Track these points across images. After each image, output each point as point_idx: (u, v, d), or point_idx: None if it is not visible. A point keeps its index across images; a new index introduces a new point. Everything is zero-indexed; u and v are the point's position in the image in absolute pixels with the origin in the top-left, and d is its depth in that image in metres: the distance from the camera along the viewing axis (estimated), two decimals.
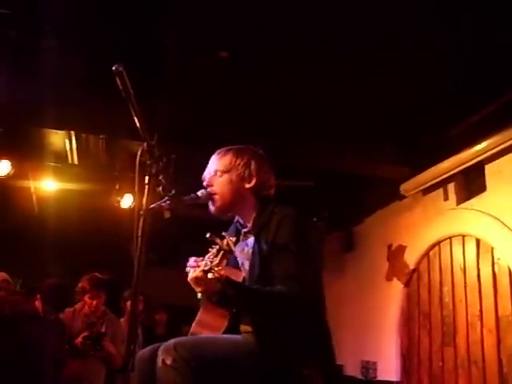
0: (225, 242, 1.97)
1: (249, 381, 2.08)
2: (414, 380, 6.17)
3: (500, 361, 4.94)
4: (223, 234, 2.01)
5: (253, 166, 2.36)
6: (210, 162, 2.43)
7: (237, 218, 2.44)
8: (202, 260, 1.99)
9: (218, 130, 4.80)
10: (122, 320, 5.25)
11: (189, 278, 2.06)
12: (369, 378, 6.82)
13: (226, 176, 2.35)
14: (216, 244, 1.99)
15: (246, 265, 2.30)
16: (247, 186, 2.34)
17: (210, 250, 2.02)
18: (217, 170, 2.36)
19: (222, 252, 1.96)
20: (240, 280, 2.23)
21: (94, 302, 4.74)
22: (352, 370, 6.98)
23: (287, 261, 2.13)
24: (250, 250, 2.28)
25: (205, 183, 2.37)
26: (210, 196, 2.33)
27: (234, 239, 2.02)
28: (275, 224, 2.20)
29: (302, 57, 4.25)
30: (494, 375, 4.98)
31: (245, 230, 2.37)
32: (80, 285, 4.86)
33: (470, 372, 5.29)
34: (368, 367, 6.87)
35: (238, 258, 2.38)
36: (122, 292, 5.76)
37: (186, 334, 2.37)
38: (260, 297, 2.10)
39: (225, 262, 1.98)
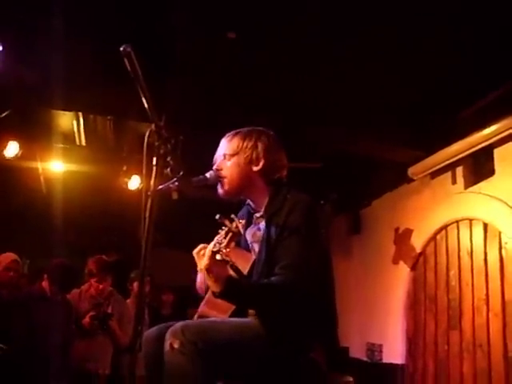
0: (234, 224, 1.97)
1: (256, 364, 2.09)
2: (419, 363, 6.20)
3: (505, 345, 4.95)
4: (232, 216, 2.01)
5: (260, 147, 2.34)
6: (220, 145, 2.43)
7: (248, 201, 2.43)
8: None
9: (225, 113, 4.78)
10: (128, 301, 5.28)
11: (194, 251, 2.07)
12: (374, 361, 6.85)
13: (233, 159, 2.34)
14: (225, 226, 1.98)
15: (257, 248, 2.30)
16: (255, 168, 2.33)
17: (219, 231, 2.01)
18: (225, 154, 2.36)
19: (230, 234, 1.96)
20: (250, 263, 2.24)
21: (101, 286, 4.77)
22: (357, 352, 7.02)
23: (292, 248, 2.12)
24: (261, 236, 2.28)
25: (215, 167, 2.37)
26: (219, 180, 2.33)
27: (243, 222, 2.02)
28: (286, 210, 2.19)
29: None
30: (499, 359, 5.00)
31: (257, 214, 2.37)
32: (87, 267, 4.88)
33: (475, 356, 5.31)
34: (373, 350, 6.90)
35: (249, 242, 2.38)
36: (128, 273, 5.78)
37: (192, 317, 2.39)
38: (257, 292, 2.10)
39: (233, 244, 1.98)
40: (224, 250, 1.91)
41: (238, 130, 2.42)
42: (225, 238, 1.96)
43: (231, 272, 2.03)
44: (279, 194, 2.29)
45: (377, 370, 6.65)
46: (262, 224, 2.30)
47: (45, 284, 4.31)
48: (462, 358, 5.48)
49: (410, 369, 6.31)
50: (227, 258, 1.91)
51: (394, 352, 6.53)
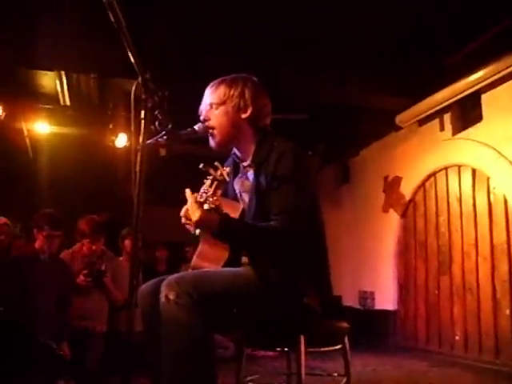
0: (218, 172, 1.94)
1: (250, 310, 2.12)
2: (410, 308, 6.32)
3: (494, 287, 5.06)
4: (216, 163, 1.98)
5: (247, 94, 2.30)
6: (205, 95, 2.37)
7: (233, 150, 2.42)
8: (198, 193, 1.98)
9: (210, 62, 4.70)
10: (120, 259, 5.30)
11: (182, 213, 2.07)
12: (367, 308, 6.98)
13: (221, 108, 2.29)
14: (210, 175, 1.96)
15: (246, 198, 2.30)
16: (244, 116, 2.30)
17: (204, 181, 1.99)
18: (212, 104, 2.31)
19: (215, 182, 1.93)
20: (239, 212, 2.23)
21: (94, 247, 4.76)
22: (350, 300, 7.13)
23: (284, 195, 2.12)
24: (251, 184, 2.27)
25: (201, 118, 2.33)
26: (208, 130, 2.30)
27: (228, 169, 1.99)
28: (275, 158, 2.17)
29: None
30: (487, 301, 5.11)
31: (244, 163, 2.35)
32: (79, 228, 4.85)
33: (465, 299, 5.42)
34: (366, 297, 7.02)
35: (237, 191, 2.38)
36: (119, 231, 5.78)
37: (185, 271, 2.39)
38: (254, 232, 2.11)
39: (219, 192, 1.96)
40: (211, 199, 1.90)
41: (222, 78, 2.36)
42: (210, 186, 1.94)
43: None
44: (266, 142, 2.27)
45: (370, 317, 6.77)
46: (250, 173, 2.29)
47: (37, 244, 4.28)
48: (453, 301, 5.60)
49: (402, 314, 6.45)
50: (213, 206, 1.90)
51: (386, 298, 6.65)
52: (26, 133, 6.56)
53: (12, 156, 6.95)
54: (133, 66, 1.83)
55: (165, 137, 2.05)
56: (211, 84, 2.37)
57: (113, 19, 1.65)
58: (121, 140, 6.32)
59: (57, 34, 4.45)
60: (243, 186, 2.34)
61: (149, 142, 1.90)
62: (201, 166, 1.95)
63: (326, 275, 2.30)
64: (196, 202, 1.95)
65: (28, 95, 6.00)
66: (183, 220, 2.12)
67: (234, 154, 2.40)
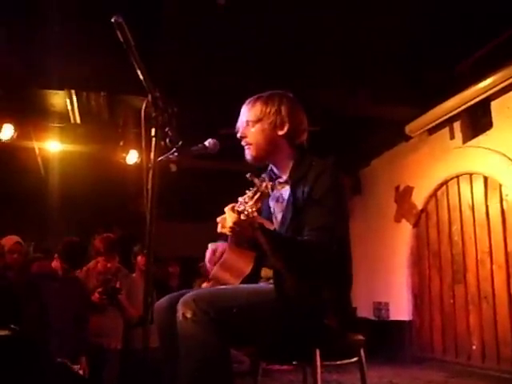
0: (264, 184, 1.93)
1: (268, 329, 2.10)
2: (425, 318, 6.27)
3: (510, 295, 5.01)
4: (263, 175, 1.98)
5: (284, 111, 2.31)
6: (241, 112, 2.38)
7: (270, 166, 2.41)
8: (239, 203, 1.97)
9: (223, 79, 4.72)
10: (133, 275, 5.30)
11: (218, 219, 2.07)
12: (381, 319, 6.93)
13: (258, 125, 2.30)
14: (254, 185, 1.95)
15: (279, 215, 2.30)
16: (280, 133, 2.30)
17: (246, 191, 1.98)
18: (248, 121, 2.32)
19: (258, 194, 1.91)
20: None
21: (109, 264, 4.78)
22: (364, 311, 7.09)
23: (321, 213, 2.12)
24: (285, 202, 2.27)
25: (238, 135, 2.34)
26: (245, 146, 2.32)
27: (271, 184, 1.99)
28: (313, 177, 2.18)
29: None
30: (504, 309, 5.07)
31: (280, 180, 2.35)
32: (94, 246, 4.88)
33: (481, 308, 5.37)
34: (380, 308, 6.98)
35: (272, 208, 2.38)
36: (131, 247, 5.79)
37: (199, 287, 2.38)
38: (290, 245, 2.10)
39: (259, 204, 1.94)
40: (250, 210, 1.89)
41: (258, 95, 2.38)
42: (252, 198, 1.92)
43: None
44: (304, 160, 2.28)
45: (385, 328, 6.72)
46: (285, 190, 2.29)
47: (55, 264, 4.31)
48: (468, 310, 5.55)
49: (417, 324, 6.40)
50: (250, 217, 1.88)
51: (401, 309, 6.60)
52: (37, 151, 6.61)
53: (24, 175, 7.00)
54: (142, 83, 1.85)
55: (176, 153, 2.05)
56: (247, 101, 2.38)
57: (121, 39, 1.67)
58: (131, 157, 6.37)
59: (66, 53, 4.50)
60: (277, 204, 2.34)
61: (160, 158, 1.91)
62: (248, 175, 1.96)
63: (347, 296, 2.29)
64: (233, 210, 1.95)
65: (39, 114, 6.06)
66: (219, 227, 2.12)
67: (271, 170, 2.40)
